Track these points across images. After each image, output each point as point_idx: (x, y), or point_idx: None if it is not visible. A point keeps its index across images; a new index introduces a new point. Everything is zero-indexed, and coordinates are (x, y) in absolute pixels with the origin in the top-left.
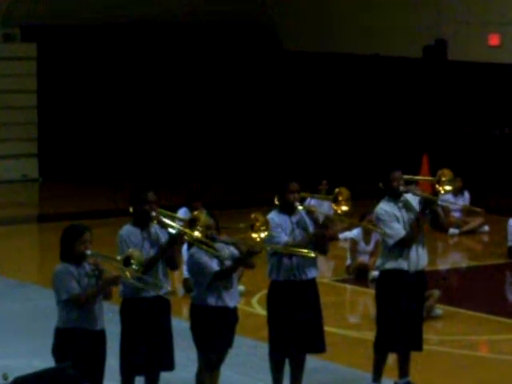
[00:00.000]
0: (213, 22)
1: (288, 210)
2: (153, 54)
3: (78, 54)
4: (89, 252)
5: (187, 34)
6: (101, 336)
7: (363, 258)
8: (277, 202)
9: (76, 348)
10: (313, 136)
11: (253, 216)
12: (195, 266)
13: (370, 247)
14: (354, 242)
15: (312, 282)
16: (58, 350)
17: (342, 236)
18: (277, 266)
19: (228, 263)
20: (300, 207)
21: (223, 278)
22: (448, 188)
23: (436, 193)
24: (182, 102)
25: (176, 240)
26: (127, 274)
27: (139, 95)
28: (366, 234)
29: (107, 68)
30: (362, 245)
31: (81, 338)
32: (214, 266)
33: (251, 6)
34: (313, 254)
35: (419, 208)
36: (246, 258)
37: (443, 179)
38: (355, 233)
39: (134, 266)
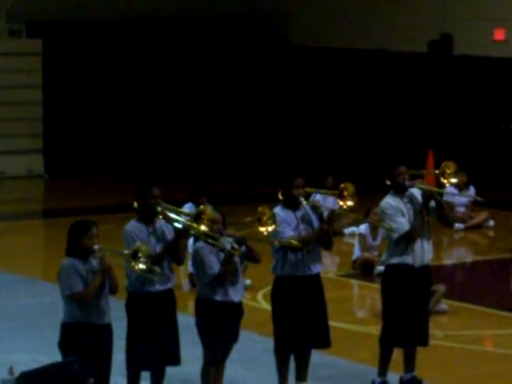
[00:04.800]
0: (219, 17)
1: (293, 205)
2: (158, 49)
3: (84, 50)
4: (96, 247)
5: (194, 28)
6: (107, 330)
7: (370, 253)
8: (281, 197)
9: (83, 342)
10: (318, 131)
11: (260, 210)
12: (199, 263)
13: (377, 242)
14: (363, 237)
15: (316, 277)
16: (64, 345)
17: (347, 231)
18: (281, 261)
19: (236, 258)
20: (304, 202)
21: (223, 281)
22: (453, 180)
23: (442, 186)
24: (188, 96)
25: (182, 234)
26: (136, 266)
27: (144, 90)
28: (374, 229)
29: (112, 63)
30: (369, 240)
31: (87, 333)
32: (216, 267)
33: (258, 1)
34: (295, 242)
35: (422, 201)
36: (231, 250)
37: (447, 171)
38: (363, 228)
39: (141, 259)
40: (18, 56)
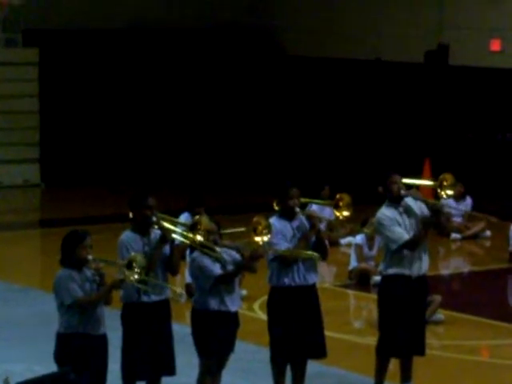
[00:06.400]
0: (216, 27)
1: (288, 215)
2: (155, 59)
3: (80, 59)
4: (90, 257)
5: (191, 39)
6: (103, 340)
7: (366, 263)
8: (276, 208)
9: (78, 353)
10: (315, 141)
11: (255, 219)
12: (197, 270)
13: (374, 252)
14: (359, 248)
15: (312, 288)
16: (59, 355)
17: (343, 241)
18: (277, 271)
19: (230, 267)
20: (300, 212)
21: (226, 282)
22: (450, 193)
23: (438, 197)
24: (184, 107)
25: (162, 240)
26: (130, 277)
27: (141, 100)
28: (370, 240)
29: (109, 73)
30: (365, 250)
31: (83, 343)
32: (217, 269)
33: (254, 12)
34: (316, 254)
35: (429, 214)
36: (248, 263)
37: (445, 184)
38: (359, 238)
39: (136, 270)
40: (15, 65)
